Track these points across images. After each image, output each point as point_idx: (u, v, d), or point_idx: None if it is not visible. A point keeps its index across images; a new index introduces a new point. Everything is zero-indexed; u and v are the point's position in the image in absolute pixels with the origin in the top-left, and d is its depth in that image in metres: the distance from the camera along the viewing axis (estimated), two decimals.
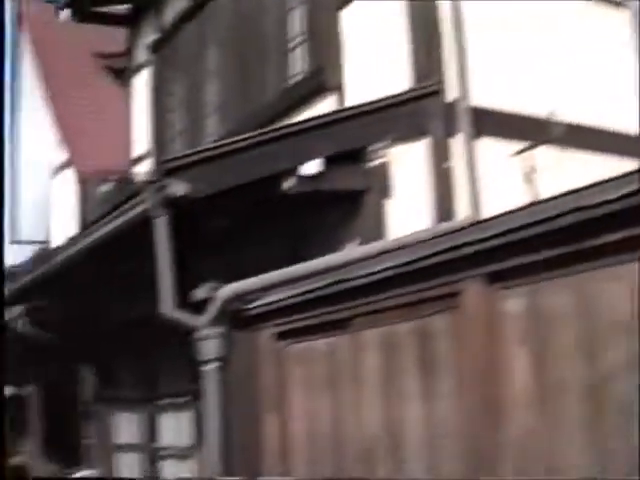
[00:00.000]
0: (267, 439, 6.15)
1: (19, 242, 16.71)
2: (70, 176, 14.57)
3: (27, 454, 16.56)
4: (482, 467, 4.34)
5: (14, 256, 14.19)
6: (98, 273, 8.51)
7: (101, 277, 8.66)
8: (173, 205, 6.03)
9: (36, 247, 15.67)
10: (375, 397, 5.21)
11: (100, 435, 11.11)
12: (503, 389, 4.27)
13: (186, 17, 11.23)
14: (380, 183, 6.98)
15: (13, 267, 16.52)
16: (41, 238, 15.84)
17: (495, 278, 4.35)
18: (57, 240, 12.41)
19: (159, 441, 9.48)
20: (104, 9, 12.97)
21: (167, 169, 6.15)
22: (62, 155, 14.60)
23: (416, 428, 4.87)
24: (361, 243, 6.68)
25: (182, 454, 8.87)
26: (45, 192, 15.98)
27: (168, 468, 9.30)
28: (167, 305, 6.14)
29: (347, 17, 8.08)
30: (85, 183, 14.11)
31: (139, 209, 6.21)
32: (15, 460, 17.64)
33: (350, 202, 6.92)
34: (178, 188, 6.01)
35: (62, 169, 15.25)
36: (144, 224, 6.15)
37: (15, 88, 16.07)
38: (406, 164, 7.00)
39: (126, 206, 6.41)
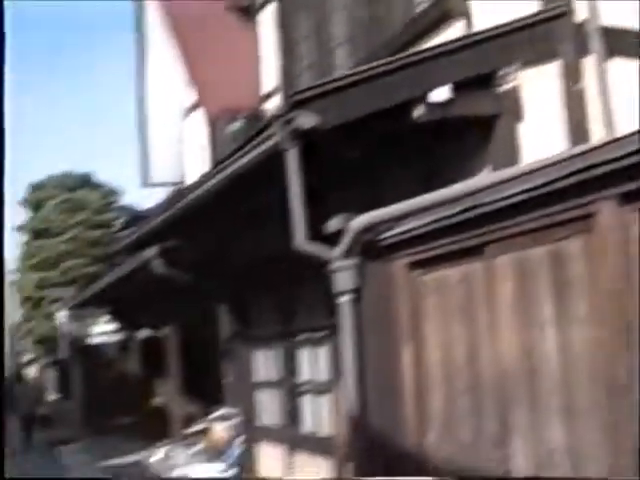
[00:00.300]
0: (402, 369, 6.38)
1: (152, 185, 17.42)
2: (200, 116, 15.04)
3: (166, 395, 17.51)
4: (617, 391, 4.46)
5: (147, 199, 14.81)
6: (230, 210, 8.90)
7: (234, 214, 9.06)
8: (303, 137, 6.26)
9: (169, 189, 16.30)
10: (510, 323, 5.36)
11: (239, 373, 11.57)
12: None
13: None
14: (512, 107, 7.05)
15: (147, 210, 17.31)
16: (174, 180, 16.45)
17: (630, 198, 4.40)
18: (190, 181, 12.90)
19: (297, 377, 9.82)
20: None
21: (295, 102, 6.38)
22: (192, 96, 15.07)
23: (551, 353, 5.00)
24: (494, 169, 6.78)
25: (320, 389, 9.21)
26: (177, 134, 16.55)
27: (307, 403, 9.65)
28: (300, 238, 6.44)
29: None
30: (215, 122, 14.56)
31: (269, 143, 6.48)
32: (155, 401, 18.69)
33: (482, 128, 7.01)
34: (307, 120, 6.23)
35: (192, 110, 15.75)
36: (275, 158, 6.42)
37: (141, 33, 16.60)
38: (537, 87, 7.04)
39: (256, 141, 6.69)
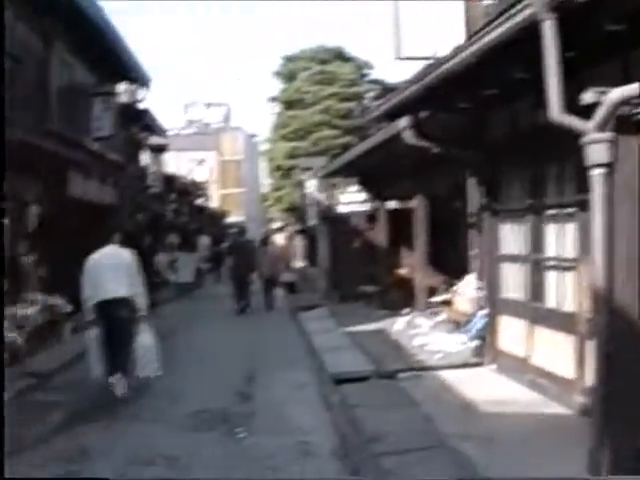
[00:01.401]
0: None
1: (403, 58, 17.64)
2: None
3: (412, 266, 18.14)
4: None
5: (398, 73, 15.01)
6: (484, 83, 9.06)
7: (487, 87, 9.22)
8: (559, 9, 6.30)
9: (420, 63, 16.47)
10: None
11: (484, 246, 11.85)
12: None
13: None
14: None
15: (398, 83, 17.61)
16: (426, 54, 16.58)
17: None
18: (442, 55, 13.02)
19: (543, 252, 9.97)
20: None
21: None
22: None
23: None
24: None
25: (566, 265, 9.35)
26: (430, 7, 16.57)
27: (552, 279, 9.82)
28: (554, 110, 6.57)
29: None
30: None
31: (525, 14, 6.56)
32: (400, 272, 19.39)
33: None
34: None
35: None
36: (530, 30, 6.51)
37: None
38: None
39: (512, 12, 6.78)
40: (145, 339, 10.74)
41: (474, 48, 7.68)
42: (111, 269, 10.49)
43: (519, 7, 6.66)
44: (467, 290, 13.22)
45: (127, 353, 10.53)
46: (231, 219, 67.03)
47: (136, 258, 11.05)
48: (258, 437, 8.45)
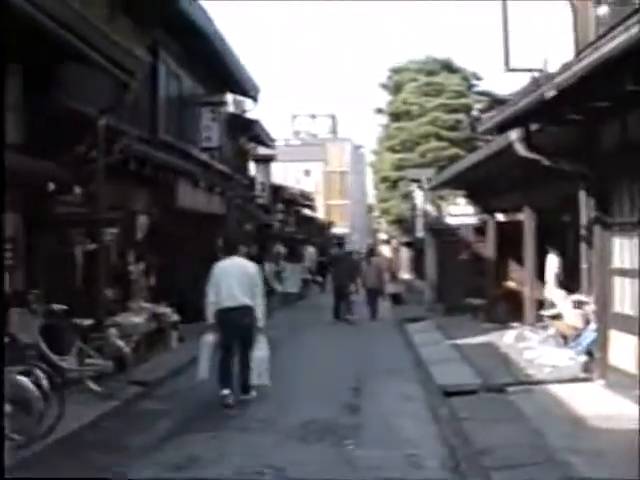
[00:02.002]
0: None
1: (514, 70, 17.53)
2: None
3: (520, 279, 17.95)
4: None
5: (507, 85, 14.87)
6: (597, 96, 8.95)
7: (599, 100, 9.10)
8: None
9: (530, 75, 16.32)
10: None
11: (596, 260, 11.64)
12: None
13: None
14: None
15: (507, 95, 17.51)
16: (535, 66, 16.44)
17: None
18: (551, 67, 12.90)
19: None
20: None
21: None
22: None
23: None
24: None
25: None
26: (539, 19, 16.42)
27: None
28: None
29: None
30: (579, 6, 14.31)
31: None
32: (508, 284, 19.21)
33: None
34: None
35: None
36: None
37: None
38: None
39: (626, 24, 6.69)
40: (261, 349, 11.12)
41: (587, 61, 7.61)
42: (237, 279, 10.96)
43: (635, 19, 6.56)
44: (577, 304, 13.04)
45: (247, 361, 10.97)
46: (336, 230, 67.30)
47: (257, 271, 11.56)
48: (366, 449, 8.45)
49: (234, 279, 10.94)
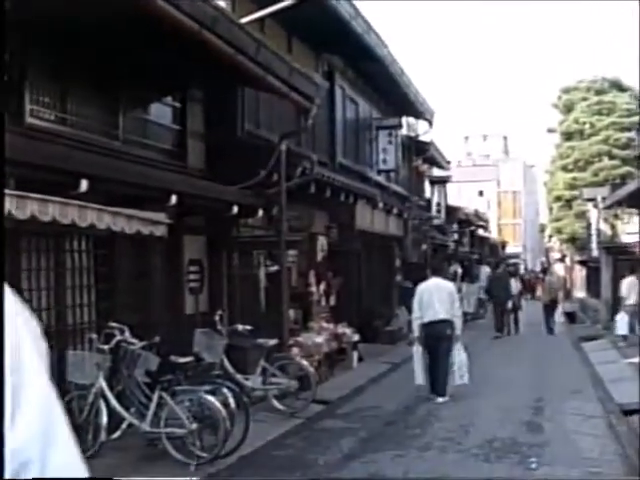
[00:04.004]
0: None
1: None
2: None
3: None
4: None
5: None
6: None
7: None
8: None
9: None
10: None
11: None
12: None
13: None
14: None
15: None
16: None
17: None
18: None
19: None
20: None
21: None
22: None
23: None
24: None
25: None
26: None
27: None
28: None
29: None
30: None
31: None
32: None
33: None
34: None
35: None
36: None
37: None
38: None
39: None
40: (461, 354, 12.20)
41: None
42: (438, 296, 12.16)
43: None
44: None
45: (446, 365, 11.98)
46: (509, 249, 65.80)
47: (455, 290, 13.07)
48: (549, 467, 8.01)
49: (436, 297, 12.11)
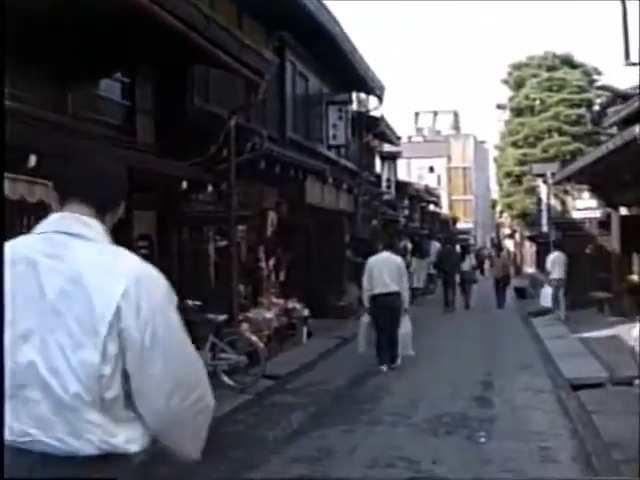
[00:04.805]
0: None
1: (634, 64, 16.79)
2: None
3: None
4: None
5: (628, 79, 14.26)
6: None
7: None
8: None
9: None
10: None
11: None
12: None
13: None
14: None
15: (629, 89, 16.80)
16: None
17: None
18: None
19: None
20: None
21: None
22: None
23: None
24: None
25: None
26: None
27: None
28: None
29: None
30: None
31: None
32: (633, 278, 18.43)
33: None
34: None
35: None
36: None
37: None
38: None
39: None
40: (406, 326, 12.78)
41: None
42: (386, 270, 12.64)
43: None
44: None
45: (396, 336, 12.51)
46: (460, 225, 66.39)
47: (403, 264, 13.59)
48: (498, 441, 8.17)
49: (384, 270, 12.59)
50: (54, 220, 2.44)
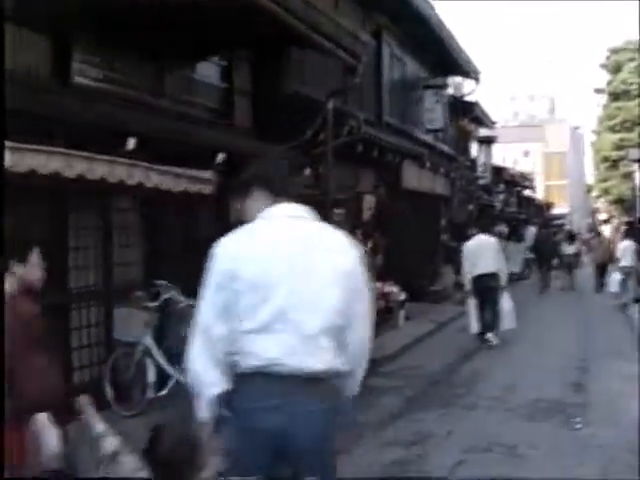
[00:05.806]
0: None
1: None
2: None
3: None
4: None
5: None
6: None
7: None
8: None
9: None
10: None
11: None
12: None
13: None
14: None
15: None
16: None
17: None
18: None
19: None
20: None
21: None
22: None
23: None
24: None
25: None
26: None
27: None
28: None
29: None
30: None
31: None
32: None
33: None
34: None
35: None
36: None
37: None
38: None
39: None
40: (506, 303, 13.29)
41: None
42: (484, 252, 13.20)
43: None
44: None
45: (496, 313, 13.13)
46: (556, 210, 64.91)
47: (499, 246, 13.95)
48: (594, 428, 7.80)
49: (482, 252, 13.14)
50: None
